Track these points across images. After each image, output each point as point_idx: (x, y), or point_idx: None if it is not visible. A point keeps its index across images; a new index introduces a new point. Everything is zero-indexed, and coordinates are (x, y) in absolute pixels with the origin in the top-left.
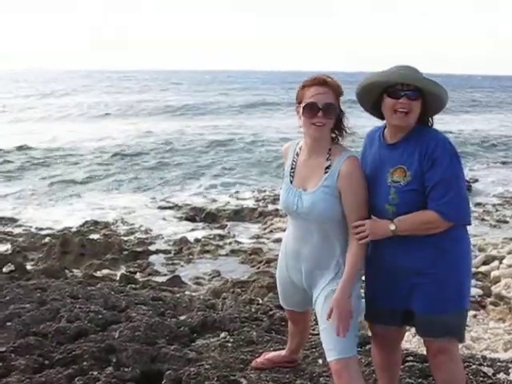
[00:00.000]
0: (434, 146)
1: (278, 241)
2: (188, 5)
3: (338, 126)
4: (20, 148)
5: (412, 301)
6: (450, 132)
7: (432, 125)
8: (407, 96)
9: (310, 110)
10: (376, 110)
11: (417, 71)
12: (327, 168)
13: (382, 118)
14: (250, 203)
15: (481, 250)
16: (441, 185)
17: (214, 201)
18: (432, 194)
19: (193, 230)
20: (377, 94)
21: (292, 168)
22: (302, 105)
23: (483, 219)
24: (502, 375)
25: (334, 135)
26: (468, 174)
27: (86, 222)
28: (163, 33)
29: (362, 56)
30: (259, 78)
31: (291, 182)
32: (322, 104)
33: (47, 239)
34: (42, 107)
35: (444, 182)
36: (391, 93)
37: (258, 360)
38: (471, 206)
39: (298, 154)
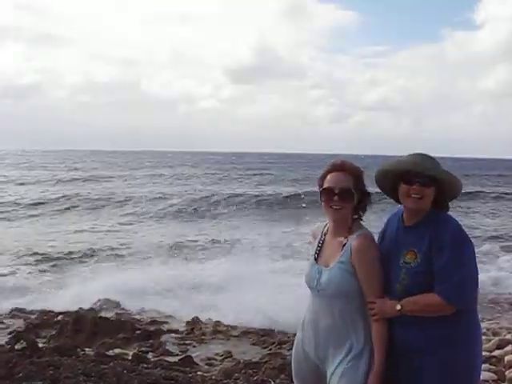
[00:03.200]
0: (444, 231)
1: (291, 318)
2: None
3: (361, 206)
4: None
5: (418, 382)
6: None
7: (448, 209)
8: (420, 183)
9: (327, 194)
10: (395, 194)
11: (430, 159)
12: (344, 245)
13: (399, 202)
14: (262, 280)
15: (495, 334)
16: (446, 269)
17: (223, 277)
18: (437, 277)
19: (204, 309)
20: (394, 179)
21: (319, 247)
22: (320, 189)
23: (497, 302)
24: None
25: (355, 216)
26: None
27: (99, 300)
28: None
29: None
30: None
31: (316, 259)
32: (337, 189)
33: (60, 317)
34: None
35: (449, 267)
36: (405, 179)
37: None
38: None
39: (325, 234)
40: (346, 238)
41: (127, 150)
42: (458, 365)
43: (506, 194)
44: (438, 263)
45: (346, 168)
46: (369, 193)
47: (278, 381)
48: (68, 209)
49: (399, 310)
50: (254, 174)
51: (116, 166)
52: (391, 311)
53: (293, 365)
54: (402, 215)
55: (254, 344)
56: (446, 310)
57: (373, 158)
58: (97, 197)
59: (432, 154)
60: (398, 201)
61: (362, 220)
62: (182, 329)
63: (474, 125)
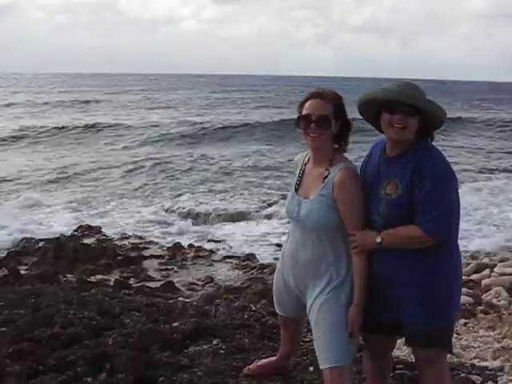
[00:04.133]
0: (426, 161)
1: (271, 245)
2: None
3: (342, 136)
4: None
5: (401, 311)
6: None
7: (432, 139)
8: (403, 112)
9: (304, 121)
10: (378, 124)
11: (415, 88)
12: (325, 178)
13: (382, 131)
14: (244, 207)
15: (473, 258)
16: (428, 201)
17: (208, 205)
18: (419, 209)
19: (187, 235)
20: (377, 108)
21: (299, 177)
22: (298, 116)
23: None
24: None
25: (336, 146)
26: None
27: (80, 227)
28: None
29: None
30: None
31: (296, 190)
32: (315, 116)
33: (41, 244)
34: None
35: (431, 199)
36: (388, 108)
37: (250, 367)
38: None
39: (305, 164)
40: (327, 169)
41: (109, 72)
42: (438, 294)
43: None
44: (420, 195)
45: (324, 95)
46: (350, 121)
47: (258, 306)
48: (60, 129)
49: (379, 243)
50: (243, 98)
51: (102, 89)
52: (371, 244)
53: (274, 295)
54: (385, 145)
55: (235, 269)
56: (427, 242)
57: (359, 80)
58: (92, 122)
59: (419, 77)
60: (380, 130)
61: (344, 151)
62: (163, 254)
63: (462, 47)
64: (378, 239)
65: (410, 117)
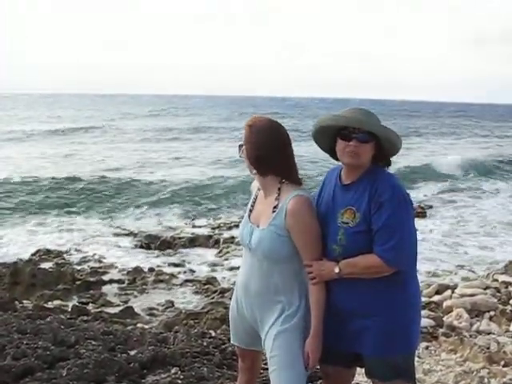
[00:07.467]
0: (383, 189)
1: (233, 269)
2: None
3: (280, 168)
4: None
5: (359, 344)
6: None
7: (389, 165)
8: (357, 139)
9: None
10: (333, 151)
11: (369, 115)
12: (275, 207)
13: (338, 159)
14: (206, 231)
15: (435, 276)
16: (385, 230)
17: (170, 228)
18: (376, 238)
19: (147, 258)
20: (331, 135)
21: (253, 203)
22: (240, 143)
23: (438, 244)
24: None
25: (282, 179)
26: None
27: (39, 251)
28: None
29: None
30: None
31: (249, 216)
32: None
33: None
34: None
35: (388, 227)
36: (342, 135)
37: None
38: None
39: (259, 190)
40: (276, 199)
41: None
42: (398, 325)
43: None
44: (377, 223)
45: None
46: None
47: (219, 332)
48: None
49: (338, 273)
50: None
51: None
52: (329, 274)
53: (230, 325)
54: (340, 172)
55: (196, 293)
56: (386, 271)
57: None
58: None
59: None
60: (336, 158)
61: (295, 182)
62: (123, 278)
63: None
64: (337, 269)
65: (364, 143)
